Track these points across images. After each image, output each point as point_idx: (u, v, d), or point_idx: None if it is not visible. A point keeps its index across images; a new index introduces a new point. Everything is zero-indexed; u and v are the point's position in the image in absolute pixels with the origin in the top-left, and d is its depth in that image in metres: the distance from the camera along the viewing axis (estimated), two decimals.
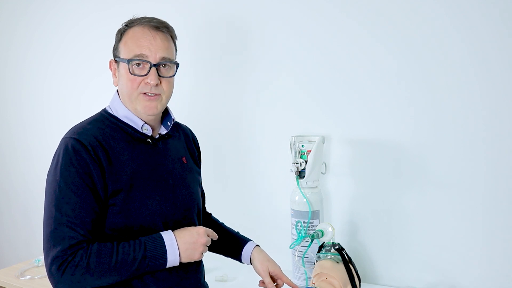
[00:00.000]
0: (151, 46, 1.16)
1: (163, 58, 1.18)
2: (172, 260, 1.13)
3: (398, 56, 1.55)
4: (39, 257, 1.97)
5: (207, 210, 1.52)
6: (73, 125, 1.20)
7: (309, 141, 1.61)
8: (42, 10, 2.42)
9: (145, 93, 1.17)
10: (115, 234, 1.13)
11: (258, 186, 1.87)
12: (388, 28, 1.56)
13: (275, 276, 1.33)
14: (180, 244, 1.14)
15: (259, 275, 1.33)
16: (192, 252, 1.15)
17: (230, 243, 1.41)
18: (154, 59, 1.16)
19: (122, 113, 1.20)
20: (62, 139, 1.15)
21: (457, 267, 1.52)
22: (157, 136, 1.25)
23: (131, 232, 1.14)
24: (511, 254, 1.44)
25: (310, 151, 1.57)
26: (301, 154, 1.58)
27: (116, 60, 1.21)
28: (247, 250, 1.38)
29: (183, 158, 1.30)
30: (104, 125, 1.18)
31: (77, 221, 1.07)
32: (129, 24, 1.20)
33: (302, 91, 1.74)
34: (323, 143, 1.63)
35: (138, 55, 1.16)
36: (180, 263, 1.15)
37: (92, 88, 2.28)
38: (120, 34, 1.21)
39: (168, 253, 1.12)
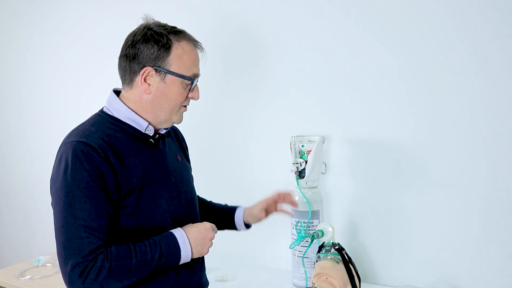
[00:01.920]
0: (198, 64, 1.23)
1: None
2: (185, 256, 1.16)
3: (398, 56, 1.55)
4: (39, 257, 1.96)
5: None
6: (73, 128, 1.19)
7: (309, 141, 1.61)
8: (42, 10, 2.42)
9: (184, 106, 1.24)
10: (127, 235, 1.14)
11: (258, 186, 1.87)
12: (388, 28, 1.56)
13: (271, 200, 1.47)
14: (191, 241, 1.17)
15: (260, 218, 1.46)
16: (201, 247, 1.19)
17: (222, 217, 1.48)
18: (199, 76, 1.24)
19: (125, 114, 1.20)
20: (67, 143, 1.12)
21: (457, 267, 1.52)
22: (156, 136, 1.25)
23: (143, 231, 1.16)
24: (511, 254, 1.44)
25: (310, 151, 1.57)
26: (301, 154, 1.58)
27: (156, 70, 1.16)
28: (238, 216, 1.46)
29: (178, 156, 1.33)
30: (107, 127, 1.17)
31: (94, 225, 1.06)
32: (173, 36, 1.17)
33: (302, 91, 1.74)
34: (323, 143, 1.63)
35: (196, 75, 1.21)
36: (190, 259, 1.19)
37: (92, 88, 2.28)
38: (167, 45, 1.16)
39: (181, 250, 1.15)
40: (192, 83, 1.20)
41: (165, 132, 1.27)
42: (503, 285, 1.45)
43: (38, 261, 1.94)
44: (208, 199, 1.56)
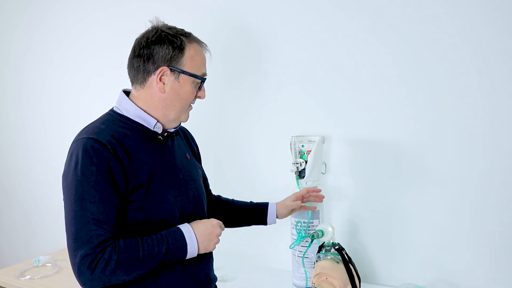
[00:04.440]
0: (206, 66, 1.29)
1: None
2: (191, 251, 1.18)
3: (398, 56, 1.55)
4: (39, 257, 1.97)
5: (213, 194, 1.58)
6: (84, 127, 1.22)
7: (309, 141, 1.61)
8: (42, 10, 2.42)
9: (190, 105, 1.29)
10: (135, 229, 1.16)
11: (258, 186, 1.87)
12: (388, 28, 1.56)
13: (297, 198, 1.52)
14: (198, 236, 1.19)
15: (294, 208, 1.52)
16: (208, 243, 1.22)
17: (251, 213, 1.53)
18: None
19: (134, 112, 1.23)
20: (78, 139, 1.15)
21: (457, 267, 1.52)
22: (165, 134, 1.29)
23: (151, 226, 1.18)
24: (510, 254, 1.44)
25: (310, 151, 1.57)
26: (301, 154, 1.58)
27: (171, 69, 1.21)
28: (271, 211, 1.52)
29: (186, 155, 1.37)
30: (116, 125, 1.21)
31: (103, 218, 1.09)
32: (186, 37, 1.23)
33: (302, 91, 1.74)
34: (323, 143, 1.64)
35: (205, 74, 1.28)
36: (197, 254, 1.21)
37: (92, 88, 2.28)
38: (181, 46, 1.21)
39: (188, 245, 1.17)
40: (202, 82, 1.26)
41: (174, 131, 1.31)
42: (503, 284, 1.45)
43: (38, 261, 1.94)
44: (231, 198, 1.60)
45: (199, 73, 1.25)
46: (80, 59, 2.32)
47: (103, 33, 2.21)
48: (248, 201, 1.58)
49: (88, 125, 1.22)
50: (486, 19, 1.41)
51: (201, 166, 1.49)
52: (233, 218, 1.53)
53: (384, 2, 1.55)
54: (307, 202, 1.56)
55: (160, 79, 1.21)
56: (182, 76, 1.22)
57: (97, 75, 2.25)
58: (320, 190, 1.56)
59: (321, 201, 1.57)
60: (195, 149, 1.48)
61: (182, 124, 1.48)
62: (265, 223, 1.53)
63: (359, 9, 1.60)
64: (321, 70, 1.70)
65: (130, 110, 1.24)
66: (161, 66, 1.20)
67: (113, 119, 1.23)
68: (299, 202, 1.52)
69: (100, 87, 2.24)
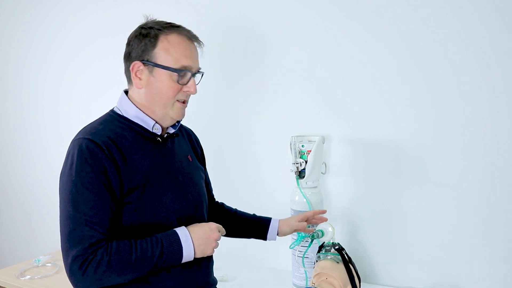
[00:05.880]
0: (193, 57, 1.22)
1: (199, 69, 1.25)
2: (187, 255, 1.16)
3: (399, 56, 1.55)
4: (39, 257, 1.96)
5: (217, 201, 1.56)
6: (83, 127, 1.21)
7: (309, 141, 1.61)
8: (42, 10, 2.42)
9: (178, 100, 1.22)
10: (130, 231, 1.15)
11: (258, 186, 1.87)
12: (388, 28, 1.56)
13: (302, 219, 1.46)
14: (195, 240, 1.17)
15: (298, 229, 1.46)
16: (205, 247, 1.19)
17: (253, 226, 1.49)
18: (194, 69, 1.22)
19: (133, 113, 1.22)
20: (75, 140, 1.15)
21: (457, 267, 1.52)
22: (165, 135, 1.27)
23: (146, 228, 1.17)
24: (511, 254, 1.44)
25: (310, 151, 1.57)
26: (301, 154, 1.58)
27: (144, 63, 1.19)
28: (273, 227, 1.47)
29: (188, 156, 1.35)
30: (115, 125, 1.20)
31: (95, 219, 1.08)
32: (162, 29, 1.19)
33: (302, 91, 1.74)
34: (323, 143, 1.64)
35: (186, 67, 1.20)
36: (194, 258, 1.19)
37: (92, 88, 2.28)
38: (153, 38, 1.19)
39: (183, 248, 1.15)
40: (180, 75, 1.19)
41: (174, 132, 1.30)
42: (503, 285, 1.45)
43: (38, 261, 1.94)
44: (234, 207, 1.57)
45: (176, 66, 1.18)
46: (80, 59, 2.31)
47: (103, 33, 2.21)
48: (251, 213, 1.54)
49: (86, 126, 1.22)
50: (486, 19, 1.41)
51: (205, 169, 1.47)
52: (233, 228, 1.48)
53: (384, 2, 1.55)
54: (310, 224, 1.50)
55: (136, 74, 1.20)
56: (156, 69, 1.18)
57: (97, 75, 2.25)
58: (325, 211, 1.51)
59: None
60: (199, 151, 1.45)
61: (188, 126, 1.48)
62: (264, 238, 1.49)
63: (359, 9, 1.60)
64: (321, 70, 1.70)
65: (129, 111, 1.23)
66: (135, 61, 1.19)
67: (112, 119, 1.23)
68: (304, 223, 1.46)
69: (100, 87, 2.24)
